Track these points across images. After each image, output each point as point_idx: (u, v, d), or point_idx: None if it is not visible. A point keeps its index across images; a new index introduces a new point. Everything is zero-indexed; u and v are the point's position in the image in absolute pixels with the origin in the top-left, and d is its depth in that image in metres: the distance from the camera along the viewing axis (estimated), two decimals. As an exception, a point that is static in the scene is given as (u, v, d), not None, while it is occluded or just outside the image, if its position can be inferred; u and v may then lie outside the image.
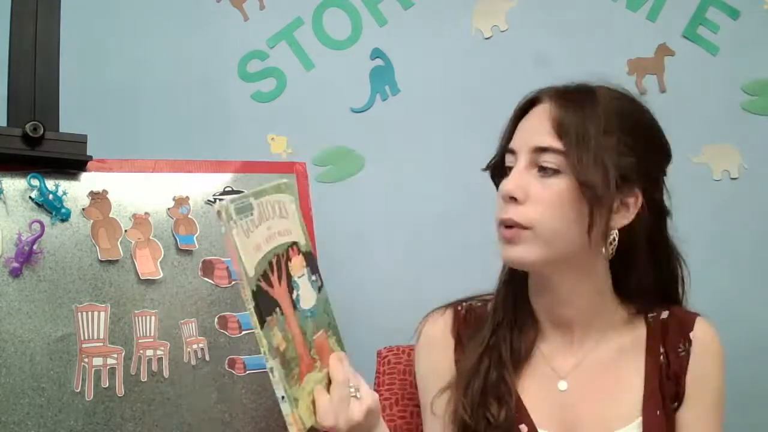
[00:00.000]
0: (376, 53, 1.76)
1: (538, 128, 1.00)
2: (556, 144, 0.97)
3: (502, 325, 1.08)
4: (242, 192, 1.36)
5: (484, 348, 1.07)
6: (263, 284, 0.82)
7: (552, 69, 1.69)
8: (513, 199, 0.98)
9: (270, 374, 0.82)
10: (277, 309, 0.83)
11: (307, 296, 0.89)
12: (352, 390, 0.90)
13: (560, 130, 0.98)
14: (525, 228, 0.98)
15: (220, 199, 0.82)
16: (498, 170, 1.08)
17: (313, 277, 0.91)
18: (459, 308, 1.14)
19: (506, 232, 0.99)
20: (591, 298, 1.05)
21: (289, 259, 0.87)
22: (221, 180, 1.37)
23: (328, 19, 1.77)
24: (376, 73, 1.76)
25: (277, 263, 0.85)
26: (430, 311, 1.16)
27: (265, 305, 0.81)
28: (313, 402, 0.87)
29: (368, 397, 0.91)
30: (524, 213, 0.98)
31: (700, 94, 1.70)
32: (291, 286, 0.86)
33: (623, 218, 1.01)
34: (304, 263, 0.90)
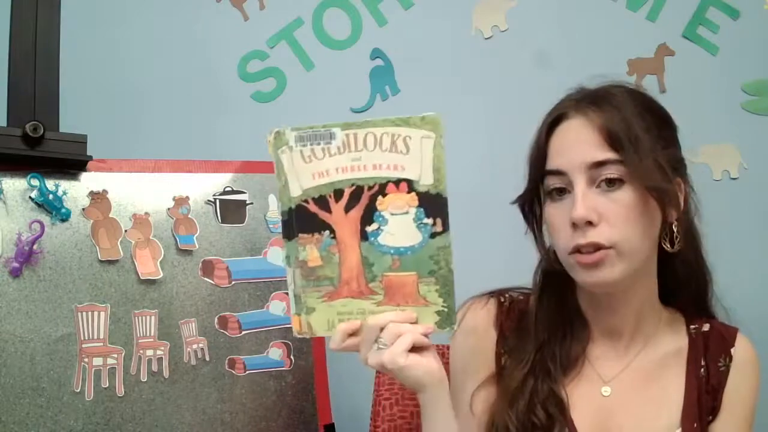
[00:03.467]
0: (376, 53, 1.76)
1: (586, 143, 0.96)
2: (613, 155, 0.95)
3: (548, 344, 1.05)
4: (242, 192, 1.38)
5: (529, 368, 1.04)
6: (310, 206, 0.89)
7: (552, 69, 1.69)
8: (588, 223, 0.95)
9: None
10: (325, 231, 0.89)
11: (399, 234, 0.89)
12: (381, 341, 0.89)
13: (611, 140, 0.95)
14: (608, 248, 0.95)
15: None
16: (531, 197, 1.05)
17: (427, 220, 0.89)
18: (502, 299, 1.11)
19: (588, 257, 0.95)
20: (643, 303, 1.04)
21: (381, 193, 0.89)
22: (221, 180, 1.37)
23: (328, 19, 1.77)
24: (376, 73, 1.76)
25: (353, 193, 0.89)
26: (470, 299, 1.12)
27: (302, 223, 0.89)
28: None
29: (382, 357, 0.89)
30: (603, 234, 0.94)
31: (700, 94, 1.70)
32: (369, 218, 0.89)
33: (679, 209, 1.00)
34: (416, 203, 0.89)
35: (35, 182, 1.21)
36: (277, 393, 1.33)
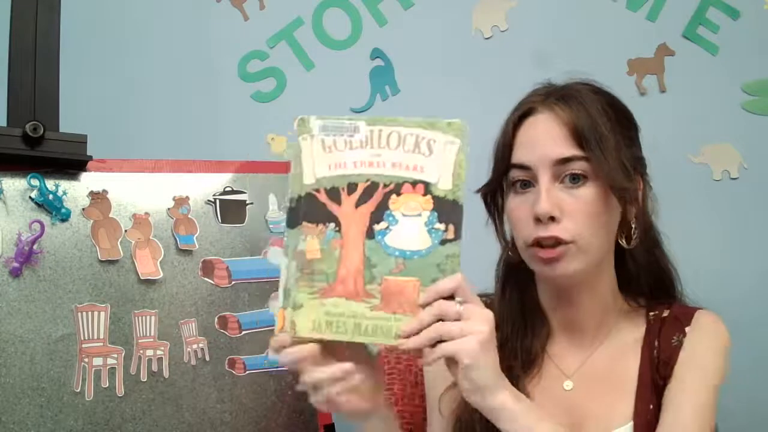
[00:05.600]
0: (376, 53, 1.76)
1: (552, 138, 0.98)
2: (578, 152, 0.96)
3: (510, 340, 1.05)
4: (242, 192, 1.37)
5: None
6: (321, 196, 0.87)
7: (552, 69, 1.68)
8: (551, 218, 0.96)
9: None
10: (331, 224, 0.86)
11: (407, 236, 0.85)
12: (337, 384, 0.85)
13: (578, 137, 0.96)
14: (567, 243, 0.96)
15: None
16: (494, 188, 1.06)
17: (439, 225, 0.85)
18: None
19: (548, 252, 0.97)
20: (603, 298, 1.05)
21: (396, 192, 0.86)
22: (221, 180, 1.37)
23: (328, 19, 1.77)
24: (376, 73, 1.76)
25: (367, 189, 0.86)
26: None
27: (309, 211, 0.86)
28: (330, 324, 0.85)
29: (354, 402, 0.87)
30: (564, 229, 0.96)
31: (700, 94, 1.70)
32: (379, 217, 0.86)
33: (639, 208, 1.02)
34: (430, 206, 0.86)
35: (35, 182, 1.21)
36: (277, 393, 1.33)
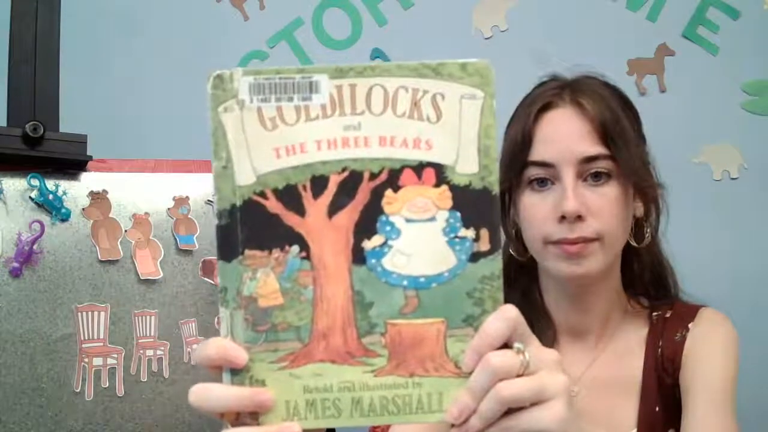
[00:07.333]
0: (376, 53, 1.76)
1: (577, 134, 0.95)
2: (604, 150, 0.94)
3: None
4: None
5: None
6: (270, 202, 0.56)
7: (552, 69, 1.69)
8: (578, 217, 0.94)
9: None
10: (293, 247, 0.56)
11: (417, 254, 0.56)
12: None
13: (602, 133, 0.94)
14: (594, 240, 0.95)
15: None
16: (508, 186, 1.02)
17: (465, 232, 0.56)
18: None
19: (572, 248, 0.94)
20: (610, 299, 1.03)
21: (392, 185, 0.56)
22: (221, 180, 1.37)
23: (328, 19, 1.77)
24: (376, 73, 1.76)
25: (345, 184, 0.55)
26: None
27: (254, 231, 0.56)
28: (311, 403, 0.57)
29: None
30: (590, 227, 0.94)
31: (700, 94, 1.70)
32: (369, 227, 0.56)
33: (658, 207, 1.01)
34: (448, 202, 0.56)
35: (35, 182, 1.21)
36: (277, 393, 1.33)
